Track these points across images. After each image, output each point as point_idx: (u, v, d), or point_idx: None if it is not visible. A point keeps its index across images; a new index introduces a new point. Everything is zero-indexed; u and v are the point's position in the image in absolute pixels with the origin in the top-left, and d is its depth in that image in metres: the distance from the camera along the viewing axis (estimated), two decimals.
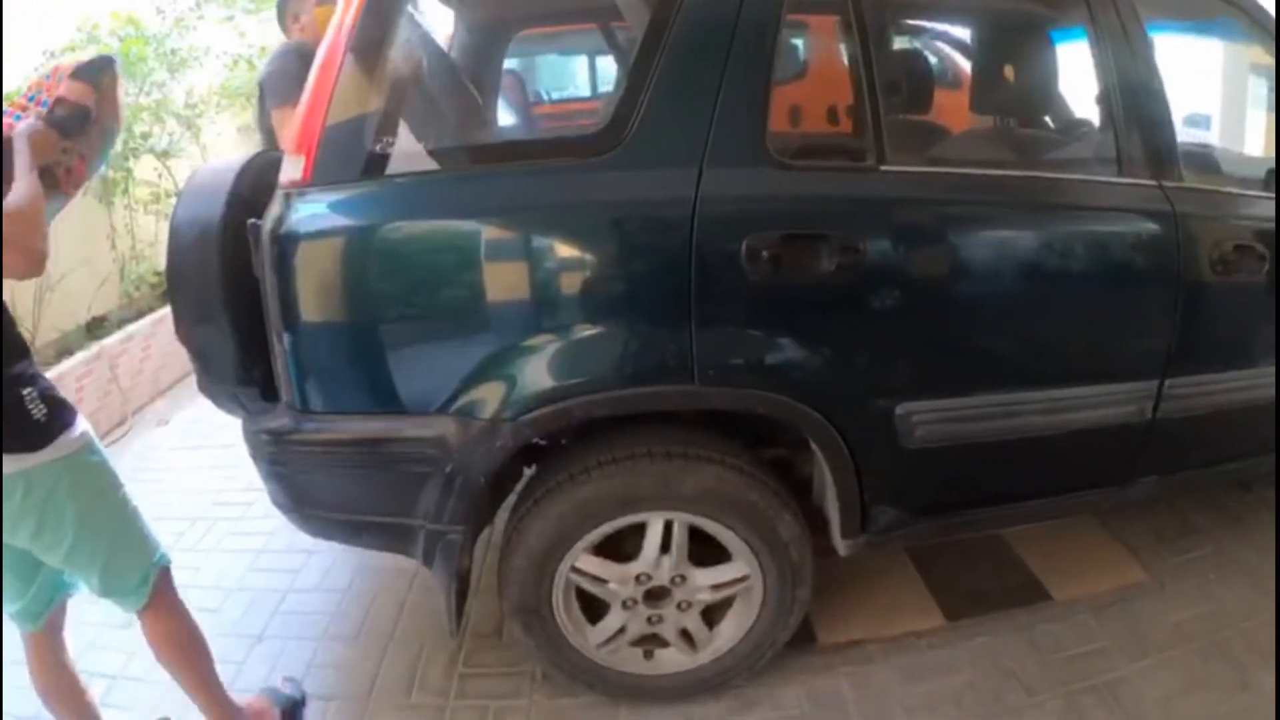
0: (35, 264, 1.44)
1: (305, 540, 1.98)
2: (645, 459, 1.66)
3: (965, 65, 2.91)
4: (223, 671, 1.95)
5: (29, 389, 1.46)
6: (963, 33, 2.88)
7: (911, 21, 2.84)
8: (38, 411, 1.46)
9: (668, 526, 1.72)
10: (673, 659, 1.89)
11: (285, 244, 1.54)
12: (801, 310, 1.61)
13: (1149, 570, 2.33)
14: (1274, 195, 2.17)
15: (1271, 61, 2.21)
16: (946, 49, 3.27)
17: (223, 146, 4.67)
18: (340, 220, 1.59)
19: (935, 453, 1.74)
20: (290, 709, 1.94)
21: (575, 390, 1.58)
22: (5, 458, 1.42)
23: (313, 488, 1.77)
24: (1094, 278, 1.84)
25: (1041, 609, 2.18)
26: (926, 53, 2.90)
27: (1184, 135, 2.00)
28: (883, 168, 1.65)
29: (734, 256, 1.53)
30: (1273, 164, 2.42)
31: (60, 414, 1.50)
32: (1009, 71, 2.28)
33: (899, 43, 2.74)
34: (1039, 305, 1.80)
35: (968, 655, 2.04)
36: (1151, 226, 1.85)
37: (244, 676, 2.01)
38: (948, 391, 1.74)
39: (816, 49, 3.48)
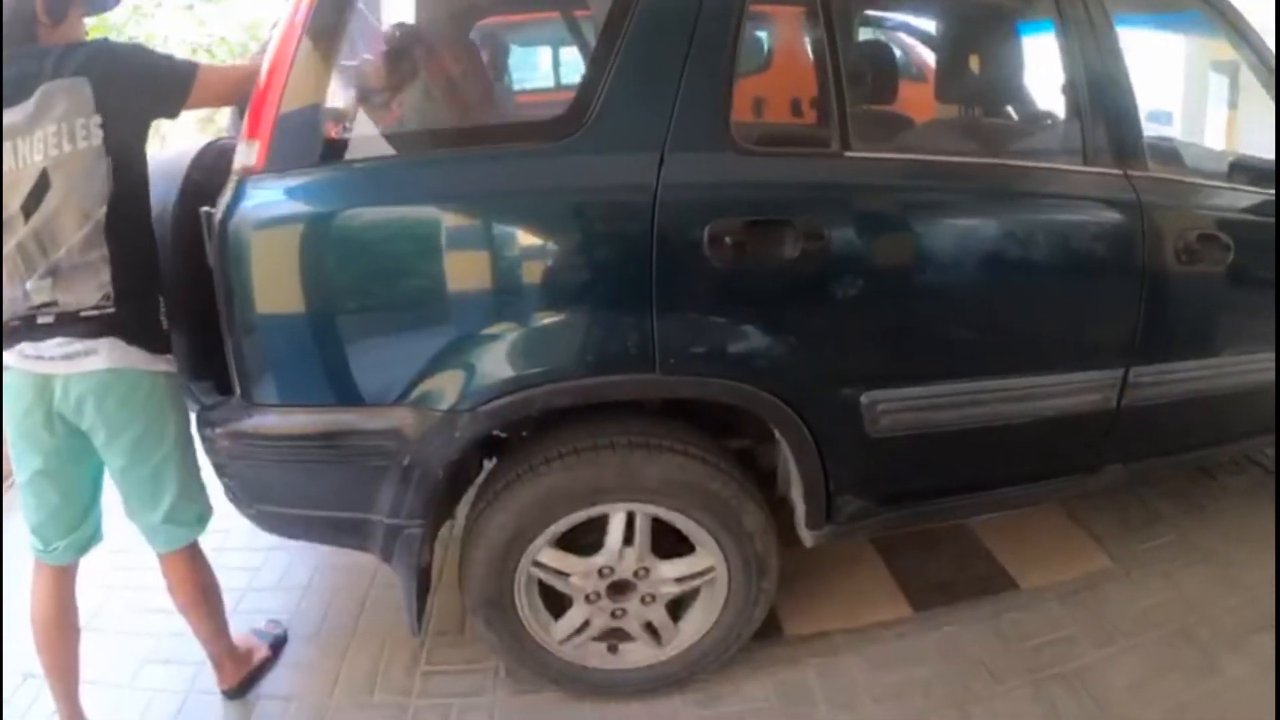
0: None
1: (263, 537, 1.93)
2: (607, 449, 1.63)
3: (931, 58, 2.89)
4: (182, 674, 2.01)
5: (160, 300, 1.63)
6: (930, 24, 2.87)
7: (877, 12, 2.83)
8: (164, 322, 1.63)
9: (630, 519, 1.69)
10: (638, 653, 1.85)
11: (237, 232, 1.49)
12: (765, 297, 1.58)
13: (1114, 558, 2.34)
14: (1235, 186, 2.19)
15: (1233, 56, 2.22)
16: (913, 42, 3.26)
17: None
18: (295, 207, 1.53)
19: (901, 441, 1.72)
20: (275, 644, 2.10)
21: (535, 380, 1.54)
22: (140, 353, 1.58)
23: (267, 483, 1.71)
24: (1059, 266, 1.84)
25: (1008, 597, 2.18)
26: (893, 45, 2.87)
27: (1147, 129, 2.00)
28: (847, 154, 1.63)
29: (696, 243, 1.50)
30: (1235, 158, 2.44)
31: (170, 331, 1.65)
32: (975, 62, 2.26)
33: (865, 34, 2.72)
34: (1004, 293, 1.79)
35: (935, 645, 2.03)
36: (1116, 215, 1.85)
37: (204, 677, 1.96)
38: (913, 380, 1.72)
39: (781, 38, 3.41)
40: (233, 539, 2.39)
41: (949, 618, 2.10)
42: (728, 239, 1.50)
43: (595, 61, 1.57)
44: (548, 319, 1.54)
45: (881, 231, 1.68)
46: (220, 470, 1.70)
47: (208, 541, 2.14)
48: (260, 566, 2.41)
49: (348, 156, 1.56)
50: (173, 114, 1.65)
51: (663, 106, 1.53)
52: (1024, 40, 2.15)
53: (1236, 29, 2.14)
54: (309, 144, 1.52)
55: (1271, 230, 2.16)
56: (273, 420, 1.61)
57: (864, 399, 1.66)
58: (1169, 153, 2.34)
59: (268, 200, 1.51)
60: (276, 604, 2.27)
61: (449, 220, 1.54)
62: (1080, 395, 1.88)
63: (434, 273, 1.54)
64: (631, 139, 1.53)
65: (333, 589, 2.31)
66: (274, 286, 1.55)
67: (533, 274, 1.54)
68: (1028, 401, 1.83)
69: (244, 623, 2.13)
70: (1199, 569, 2.33)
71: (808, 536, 1.78)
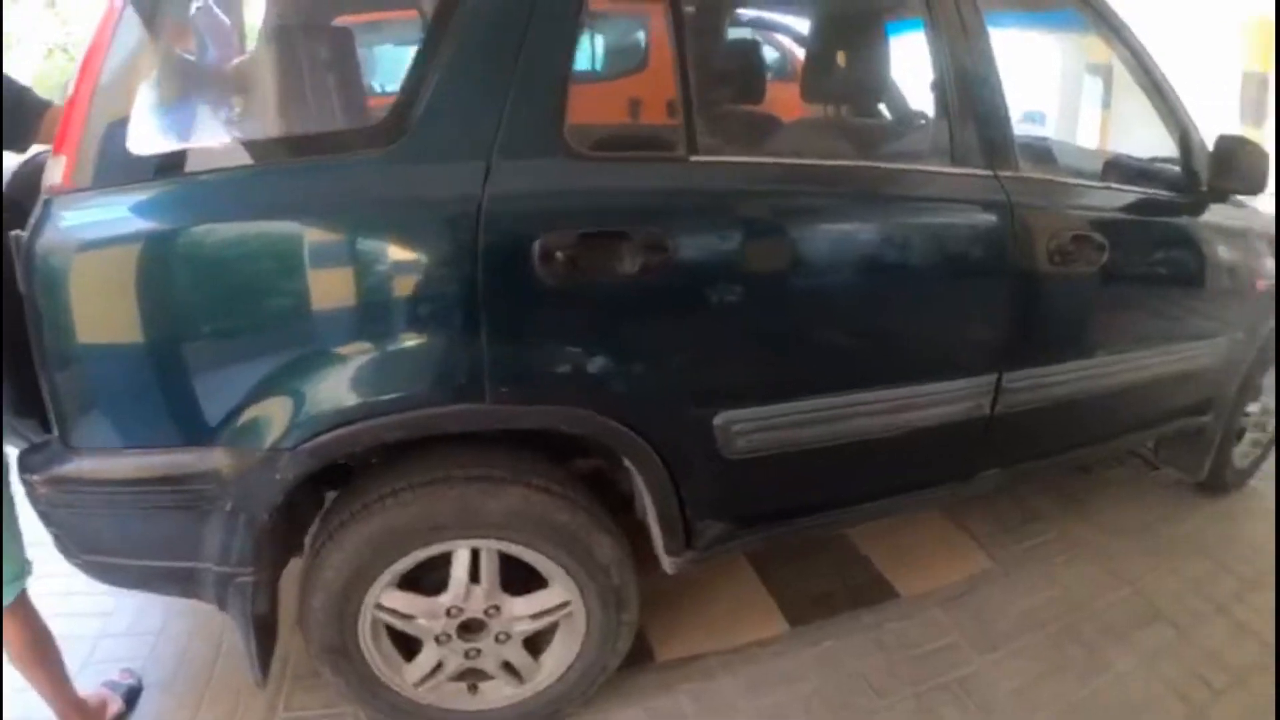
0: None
1: None
2: (443, 484, 1.47)
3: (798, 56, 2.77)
4: None
5: None
6: (793, 21, 2.75)
7: (736, 9, 2.67)
8: None
9: (476, 555, 1.53)
10: (499, 692, 1.70)
11: (43, 257, 1.28)
12: (603, 316, 1.43)
13: (995, 559, 2.27)
14: (1109, 185, 2.14)
15: (1107, 60, 2.17)
16: (778, 38, 3.12)
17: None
18: (104, 229, 1.33)
19: (762, 462, 1.59)
20: (129, 695, 1.90)
21: (357, 414, 1.36)
22: None
23: (92, 531, 1.51)
24: (925, 272, 1.73)
25: (888, 606, 2.08)
26: (755, 42, 2.73)
27: (1020, 129, 1.94)
28: (693, 158, 1.48)
29: (526, 259, 1.33)
30: (1109, 157, 2.40)
31: None
32: (842, 61, 2.15)
33: (724, 30, 2.58)
34: (868, 302, 1.67)
35: (814, 661, 1.91)
36: (986, 217, 1.75)
37: None
38: (771, 397, 1.59)
39: (628, 37, 3.09)
40: (80, 582, 2.16)
41: (828, 631, 1.99)
42: (560, 254, 1.34)
43: (420, 62, 1.39)
44: (368, 347, 1.36)
45: (731, 241, 1.53)
46: (44, 518, 1.49)
47: (55, 586, 1.95)
48: (112, 612, 2.18)
49: (176, 169, 1.37)
50: (20, 147, 1.58)
51: (491, 109, 1.36)
52: (892, 39, 2.05)
53: (1112, 27, 2.08)
54: (123, 158, 1.32)
55: (1147, 229, 2.12)
56: (90, 464, 1.41)
57: (718, 420, 1.53)
58: (1042, 152, 2.28)
59: (76, 222, 1.31)
60: (130, 651, 2.05)
61: (262, 240, 1.35)
62: (951, 404, 1.78)
63: (248, 299, 1.35)
64: (456, 146, 1.36)
65: (188, 633, 2.10)
66: (79, 318, 1.34)
67: (351, 298, 1.35)
68: (897, 414, 1.72)
69: (98, 673, 1.92)
70: (1080, 564, 2.28)
71: (668, 563, 1.64)
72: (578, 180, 1.41)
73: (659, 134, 1.58)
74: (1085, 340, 2.03)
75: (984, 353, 1.82)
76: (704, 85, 1.55)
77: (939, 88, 1.79)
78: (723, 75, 1.83)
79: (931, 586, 2.15)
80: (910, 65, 2.01)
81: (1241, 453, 2.70)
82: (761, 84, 2.05)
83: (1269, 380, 2.65)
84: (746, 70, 2.02)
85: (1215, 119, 2.35)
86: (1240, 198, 2.29)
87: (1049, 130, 2.72)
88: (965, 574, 2.20)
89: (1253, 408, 2.64)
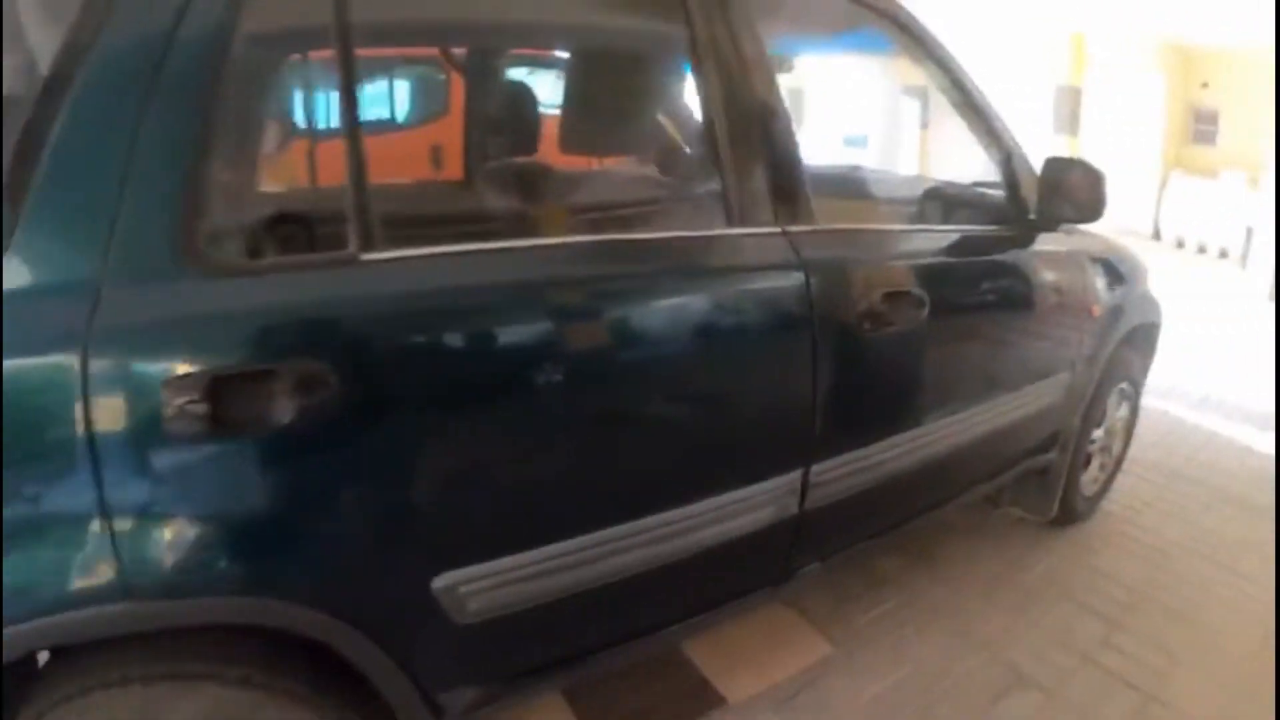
0: None
1: None
2: (119, 687, 1.10)
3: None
4: None
5: None
6: (509, 62, 2.30)
7: (429, 50, 2.18)
8: None
9: None
10: None
11: None
12: (261, 477, 1.08)
13: (834, 640, 2.00)
14: (927, 227, 1.90)
15: (923, 82, 1.94)
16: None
17: None
18: None
19: (511, 619, 1.27)
20: None
21: None
22: None
23: None
24: (701, 365, 1.41)
25: (714, 717, 1.77)
26: (520, 86, 2.29)
27: (827, 164, 1.66)
28: (365, 256, 1.12)
29: (151, 415, 0.99)
30: (927, 186, 2.17)
31: None
32: (599, 107, 1.80)
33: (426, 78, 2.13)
34: (624, 414, 1.35)
35: None
36: (776, 284, 1.46)
37: None
38: (507, 548, 1.25)
39: (284, 100, 2.29)
40: None
41: None
42: (192, 405, 0.99)
43: (18, 157, 0.99)
44: None
45: (418, 364, 1.16)
46: None
47: None
48: None
49: None
50: None
51: (100, 220, 1.00)
52: (656, 81, 1.74)
53: (923, 47, 1.84)
54: None
55: (972, 273, 1.88)
56: None
57: (437, 584, 1.19)
58: (848, 193, 2.02)
59: None
60: None
61: None
62: (751, 512, 1.49)
63: None
64: (57, 269, 0.99)
65: None
66: None
67: None
68: (684, 536, 1.41)
69: None
70: (932, 632, 2.04)
71: None
72: (209, 304, 1.05)
73: (327, 227, 1.19)
74: (910, 409, 1.77)
75: (783, 449, 1.53)
76: (388, 160, 1.19)
77: (711, 134, 1.47)
78: (409, 140, 1.46)
79: (763, 686, 1.85)
80: (682, 110, 1.70)
81: (1090, 479, 2.55)
82: (530, 136, 1.70)
83: (1111, 403, 2.50)
84: (516, 121, 1.66)
85: (1029, 130, 2.14)
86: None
87: (863, 159, 2.46)
88: (801, 665, 1.92)
89: (1097, 433, 2.48)
